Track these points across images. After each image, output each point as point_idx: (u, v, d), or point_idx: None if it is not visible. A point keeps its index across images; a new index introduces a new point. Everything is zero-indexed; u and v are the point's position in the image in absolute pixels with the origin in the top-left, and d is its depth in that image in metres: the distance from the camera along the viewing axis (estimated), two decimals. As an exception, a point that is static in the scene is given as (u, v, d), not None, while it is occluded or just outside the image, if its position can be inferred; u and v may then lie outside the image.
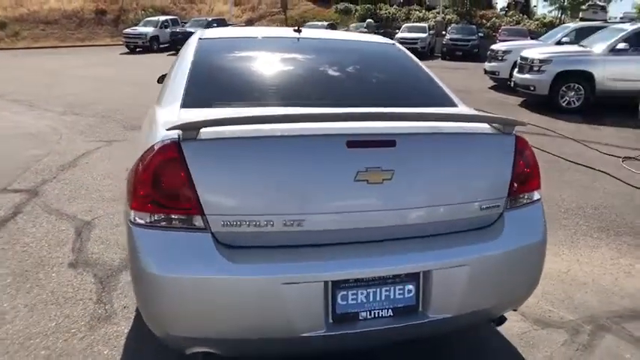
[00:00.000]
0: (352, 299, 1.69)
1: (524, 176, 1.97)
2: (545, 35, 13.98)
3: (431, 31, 25.55)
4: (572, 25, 13.12)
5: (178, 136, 1.63)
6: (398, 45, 2.96)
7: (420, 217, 1.81)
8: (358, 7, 32.62)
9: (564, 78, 9.11)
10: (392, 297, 1.73)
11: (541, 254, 2.02)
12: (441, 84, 2.55)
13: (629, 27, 9.54)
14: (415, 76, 2.60)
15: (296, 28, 2.86)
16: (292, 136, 1.69)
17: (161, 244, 1.63)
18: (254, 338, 1.67)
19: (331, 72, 2.47)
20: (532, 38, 22.25)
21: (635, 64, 9.00)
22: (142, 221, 1.66)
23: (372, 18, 30.17)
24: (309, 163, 1.70)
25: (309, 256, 1.67)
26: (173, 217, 1.64)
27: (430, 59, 22.55)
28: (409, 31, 24.24)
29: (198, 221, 1.63)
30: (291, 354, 1.87)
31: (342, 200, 1.72)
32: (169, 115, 1.95)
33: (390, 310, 1.74)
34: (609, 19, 30.64)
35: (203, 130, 1.64)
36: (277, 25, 31.57)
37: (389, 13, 31.73)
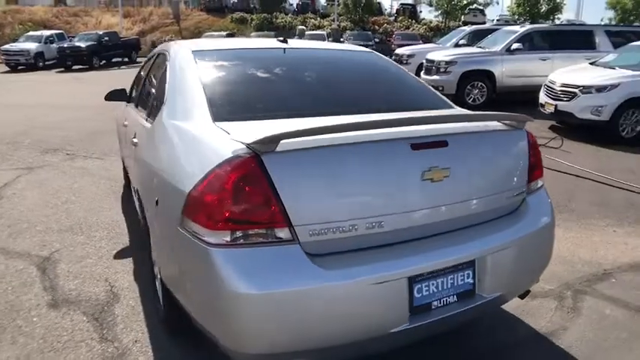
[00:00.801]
0: (425, 291, 1.79)
1: (535, 165, 2.22)
2: (443, 38, 15.16)
3: (329, 39, 26.38)
4: (468, 28, 14.34)
5: (252, 149, 1.60)
6: (376, 53, 3.11)
7: (470, 209, 1.97)
8: (254, 17, 32.68)
9: (468, 77, 9.98)
10: (455, 284, 1.86)
11: (553, 230, 2.29)
12: (431, 87, 2.73)
13: (520, 29, 10.70)
14: (409, 81, 2.77)
15: (281, 38, 2.89)
16: (364, 142, 1.73)
17: (248, 262, 1.57)
18: (347, 342, 1.67)
19: (339, 80, 2.61)
20: (423, 42, 24.02)
21: (528, 62, 10.13)
22: (221, 241, 1.58)
23: (268, 27, 30.41)
24: (381, 166, 1.76)
25: (390, 255, 1.73)
26: (258, 232, 1.60)
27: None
28: (310, 39, 24.83)
29: (285, 233, 1.61)
30: (378, 352, 1.89)
31: (413, 199, 1.82)
32: (208, 131, 1.89)
33: (454, 296, 1.86)
34: (488, 21, 33.99)
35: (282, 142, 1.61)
36: (172, 37, 30.52)
37: (285, 21, 32.20)
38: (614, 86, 7.43)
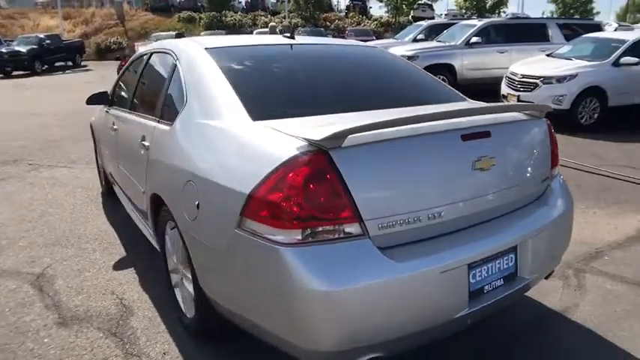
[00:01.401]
0: (479, 276, 1.83)
1: (555, 152, 2.32)
2: (400, 34, 15.40)
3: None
4: (425, 23, 14.65)
5: (318, 146, 1.57)
6: (380, 48, 3.12)
7: (510, 195, 2.03)
8: (202, 15, 31.98)
9: (430, 71, 10.12)
10: (502, 268, 1.92)
11: (573, 212, 2.38)
12: (441, 82, 2.78)
13: (477, 22, 11.04)
14: (422, 75, 2.79)
15: (288, 34, 2.83)
16: (422, 135, 1.75)
17: (322, 259, 1.54)
18: (417, 331, 1.68)
19: (359, 75, 2.63)
20: (376, 38, 24.38)
21: (487, 55, 10.48)
22: (292, 240, 1.54)
23: (217, 25, 29.85)
24: (438, 158, 1.80)
25: (451, 243, 1.77)
26: (330, 228, 1.57)
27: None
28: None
29: (355, 228, 1.59)
30: (441, 338, 1.91)
31: (467, 187, 1.86)
32: (255, 130, 1.86)
33: (501, 280, 1.93)
34: (437, 16, 34.87)
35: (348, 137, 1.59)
36: (117, 38, 29.40)
37: (235, 19, 31.72)
38: (572, 76, 7.82)
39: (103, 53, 28.09)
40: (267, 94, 2.21)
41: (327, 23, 32.13)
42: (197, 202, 1.90)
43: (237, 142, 1.87)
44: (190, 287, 2.28)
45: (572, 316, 2.64)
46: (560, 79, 7.86)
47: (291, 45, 2.73)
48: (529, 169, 2.14)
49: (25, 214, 4.23)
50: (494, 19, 11.54)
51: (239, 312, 1.86)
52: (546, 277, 2.42)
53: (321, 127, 1.66)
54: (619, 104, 8.01)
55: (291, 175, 1.56)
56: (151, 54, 3.15)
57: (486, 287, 1.87)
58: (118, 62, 14.80)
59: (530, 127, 2.20)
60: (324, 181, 1.56)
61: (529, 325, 2.58)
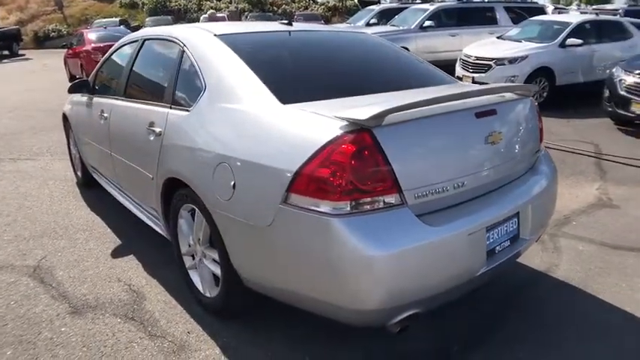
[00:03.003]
0: (492, 238, 2.05)
1: (541, 128, 2.58)
2: (353, 18, 15.54)
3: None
4: (376, 8, 14.85)
5: (360, 125, 1.72)
6: (370, 34, 3.27)
7: (512, 166, 2.27)
8: (145, 1, 30.74)
9: (388, 54, 10.42)
10: (508, 230, 2.14)
11: (557, 181, 2.63)
12: (432, 65, 2.97)
13: (429, 7, 11.35)
14: (414, 60, 2.96)
15: (285, 21, 2.93)
16: (445, 113, 1.95)
17: (370, 227, 1.69)
18: (450, 287, 1.88)
19: (363, 60, 2.81)
20: (324, 22, 24.43)
21: (439, 38, 10.84)
22: (342, 211, 1.68)
23: (162, 11, 28.84)
24: (459, 133, 2.01)
25: (472, 209, 1.97)
26: (374, 199, 1.73)
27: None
28: (209, 22, 24.02)
29: (396, 199, 1.76)
30: (464, 293, 2.09)
31: (481, 160, 2.08)
32: (291, 111, 1.98)
33: (508, 241, 2.15)
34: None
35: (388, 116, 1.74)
36: (56, 25, 27.80)
37: (180, 4, 30.71)
38: (523, 58, 8.28)
39: (41, 41, 26.47)
40: (287, 78, 2.31)
41: (275, 8, 31.73)
42: (233, 183, 1.98)
43: (274, 125, 1.96)
44: (213, 266, 2.35)
45: (555, 275, 2.93)
46: (512, 61, 8.30)
47: (290, 32, 2.81)
48: (525, 142, 2.37)
49: (1, 208, 4.08)
50: (445, 3, 11.88)
51: (278, 283, 1.97)
52: (536, 240, 2.68)
53: (354, 108, 1.80)
54: (566, 83, 8.57)
55: (339, 151, 1.69)
56: (143, 41, 3.12)
57: (497, 248, 2.08)
58: (65, 50, 14.03)
59: (523, 105, 2.42)
60: (370, 157, 1.72)
61: (523, 283, 2.85)
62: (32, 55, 22.29)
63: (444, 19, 11.33)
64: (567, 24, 8.91)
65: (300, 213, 1.75)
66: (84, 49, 11.64)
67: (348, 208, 1.69)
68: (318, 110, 1.93)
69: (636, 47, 9.35)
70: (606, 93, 7.12)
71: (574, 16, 9.97)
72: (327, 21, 27.24)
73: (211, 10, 9.57)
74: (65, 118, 4.59)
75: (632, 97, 6.54)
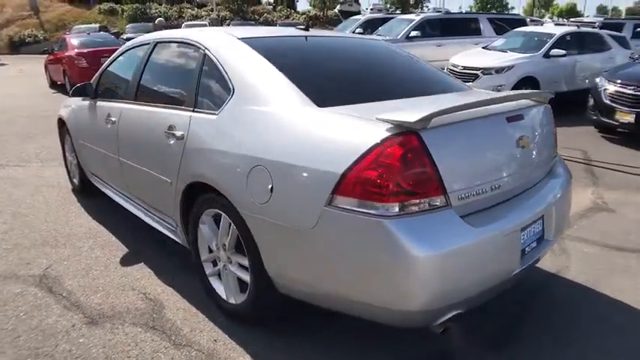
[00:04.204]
0: (523, 239, 2.07)
1: (555, 133, 2.65)
2: (339, 27, 15.64)
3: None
4: (362, 18, 14.99)
5: (407, 127, 1.73)
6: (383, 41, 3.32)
7: (537, 169, 2.34)
8: (125, 7, 30.38)
9: (376, 62, 10.52)
10: (535, 231, 2.18)
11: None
12: (445, 72, 3.02)
13: (415, 17, 11.52)
14: (429, 67, 2.99)
15: (302, 27, 2.94)
16: (482, 117, 2.00)
17: (418, 228, 1.70)
18: (489, 287, 1.90)
19: (385, 65, 2.84)
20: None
21: (425, 48, 10.95)
22: (391, 212, 1.69)
23: (142, 18, 28.54)
24: (495, 136, 2.06)
25: (508, 210, 2.02)
26: (421, 201, 1.74)
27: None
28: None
29: (441, 200, 1.78)
30: (500, 293, 2.12)
31: (514, 162, 2.13)
32: (331, 115, 2.00)
33: (535, 242, 2.19)
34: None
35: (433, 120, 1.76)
36: (32, 30, 27.18)
37: (160, 12, 30.44)
38: (510, 67, 8.47)
39: (16, 47, 25.84)
40: (317, 82, 2.30)
41: (256, 16, 31.74)
42: (270, 186, 1.95)
43: (314, 128, 1.95)
44: (239, 272, 2.31)
45: (567, 276, 2.99)
46: (499, 70, 8.49)
47: (306, 37, 2.83)
48: (545, 147, 2.44)
49: (-8, 217, 3.94)
50: (431, 14, 12.08)
51: (318, 287, 1.94)
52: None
53: (398, 111, 1.82)
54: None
55: (388, 153, 1.71)
56: (155, 44, 3.07)
57: (527, 249, 2.12)
58: (45, 56, 13.71)
59: (542, 111, 2.48)
60: (417, 159, 1.74)
61: (538, 285, 2.88)
62: (7, 60, 21.71)
63: (429, 30, 11.50)
64: (551, 35, 9.16)
65: (346, 215, 1.74)
66: (67, 54, 11.40)
67: (397, 210, 1.70)
68: (356, 113, 1.94)
69: (614, 58, 9.69)
70: (591, 102, 7.34)
71: (557, 28, 10.27)
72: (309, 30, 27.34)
73: (160, 19, 9.43)
74: (61, 122, 4.46)
75: (616, 105, 6.75)
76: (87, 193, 4.31)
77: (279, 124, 2.06)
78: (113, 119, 3.22)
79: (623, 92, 6.71)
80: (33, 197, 4.41)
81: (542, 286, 2.88)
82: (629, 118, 6.54)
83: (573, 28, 9.90)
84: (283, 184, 1.93)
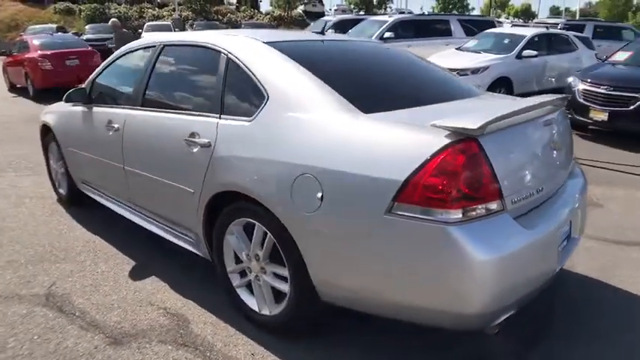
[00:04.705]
0: (559, 238, 2.12)
1: (571, 137, 2.72)
2: (309, 29, 15.60)
3: (176, 29, 25.14)
4: (333, 18, 15.00)
5: (466, 134, 1.74)
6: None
7: (565, 171, 2.42)
8: (82, 7, 29.30)
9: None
10: (566, 230, 2.24)
11: None
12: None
13: (388, 19, 11.63)
14: (443, 72, 3.03)
15: (318, 30, 2.91)
16: (530, 120, 2.06)
17: (481, 233, 1.73)
18: (537, 287, 1.95)
19: (407, 70, 2.86)
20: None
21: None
22: (454, 218, 1.70)
23: (101, 18, 27.61)
24: (537, 140, 2.13)
25: (549, 211, 2.08)
26: (481, 206, 1.75)
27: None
28: (154, 30, 23.21)
29: (498, 205, 1.81)
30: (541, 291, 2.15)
31: (551, 165, 2.22)
32: (374, 122, 1.99)
33: (566, 240, 2.24)
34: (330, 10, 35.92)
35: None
36: None
37: (119, 12, 29.52)
38: (485, 68, 8.68)
39: (-37, 48, 24.51)
40: (354, 88, 2.26)
41: (219, 17, 31.29)
42: (320, 194, 1.90)
43: (366, 134, 1.92)
44: (275, 283, 2.25)
45: (577, 270, 3.07)
46: (475, 71, 8.68)
47: (323, 41, 2.80)
48: (568, 149, 2.53)
49: (-22, 233, 3.68)
50: (404, 15, 12.24)
51: (371, 293, 1.91)
52: None
53: (454, 117, 1.82)
54: (522, 92, 9.04)
55: (450, 160, 1.71)
56: (162, 48, 2.94)
57: (560, 247, 2.16)
58: (2, 58, 13.02)
59: (562, 115, 2.55)
60: (478, 165, 1.76)
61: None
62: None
63: (402, 31, 11.63)
64: (522, 37, 9.45)
65: (407, 222, 1.74)
66: (28, 56, 10.85)
67: (459, 216, 1.71)
68: (404, 120, 1.95)
69: (580, 59, 10.11)
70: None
71: (527, 30, 10.60)
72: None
73: (114, 19, 9.06)
74: (46, 129, 4.22)
75: (589, 104, 7.02)
76: (75, 203, 4.11)
77: (327, 131, 2.01)
78: (116, 126, 3.07)
79: (596, 91, 6.98)
80: (16, 209, 4.16)
81: (559, 283, 2.94)
82: (603, 116, 6.82)
83: (542, 30, 10.25)
84: (335, 192, 1.89)
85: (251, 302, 2.41)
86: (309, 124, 2.07)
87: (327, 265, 2.00)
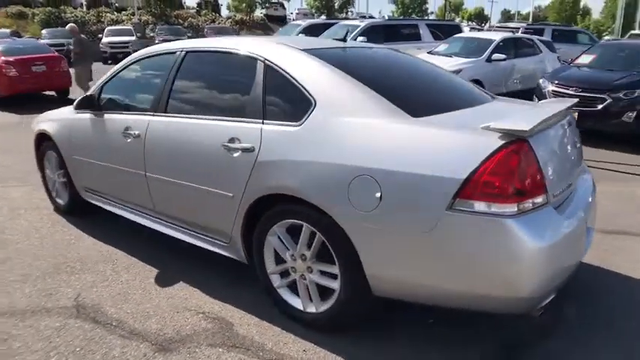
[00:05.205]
0: None
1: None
2: (278, 33, 15.63)
3: (138, 34, 24.62)
4: (303, 23, 15.08)
5: (517, 135, 1.91)
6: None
7: (580, 168, 2.66)
8: (36, 11, 28.19)
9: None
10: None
11: None
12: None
13: (360, 23, 11.84)
14: (455, 77, 3.17)
15: (339, 37, 3.00)
16: (557, 122, 2.29)
17: (534, 224, 1.91)
18: (570, 273, 2.15)
19: (429, 74, 3.03)
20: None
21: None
22: (512, 212, 1.88)
23: (56, 23, 26.67)
24: (564, 140, 2.38)
25: (573, 202, 2.30)
26: (531, 200, 1.93)
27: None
28: (115, 35, 22.65)
29: (543, 198, 2.01)
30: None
31: (573, 161, 2.48)
32: (427, 125, 2.15)
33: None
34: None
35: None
36: None
37: (76, 16, 28.58)
38: (458, 71, 8.96)
39: None
40: (396, 93, 2.38)
41: (180, 21, 30.80)
42: (379, 194, 2.01)
43: (421, 136, 2.08)
44: (323, 281, 2.33)
45: (583, 260, 3.26)
46: (449, 74, 8.98)
47: (345, 48, 2.90)
48: (580, 148, 2.74)
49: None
50: (376, 20, 12.49)
51: (428, 284, 2.05)
52: None
53: (503, 120, 2.00)
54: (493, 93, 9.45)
55: (506, 159, 1.89)
56: (185, 54, 2.95)
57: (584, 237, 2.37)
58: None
59: (573, 118, 2.77)
60: (529, 163, 1.95)
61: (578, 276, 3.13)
62: None
63: (374, 35, 11.86)
64: (491, 41, 9.86)
65: (468, 216, 1.89)
66: (-10, 63, 10.37)
67: (515, 209, 1.88)
68: (453, 123, 2.13)
69: (544, 61, 10.65)
70: (535, 102, 8.00)
71: (495, 34, 11.06)
72: (238, 34, 27.06)
73: (71, 24, 8.85)
74: (42, 138, 4.10)
75: (559, 104, 7.42)
76: (76, 213, 4.03)
77: (382, 134, 2.13)
78: (135, 132, 3.04)
79: (565, 92, 7.39)
80: (13, 221, 4.02)
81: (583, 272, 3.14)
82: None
83: (509, 34, 10.72)
84: (395, 191, 2.01)
85: (294, 301, 2.47)
86: (363, 128, 2.18)
87: (384, 261, 2.11)
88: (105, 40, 22.10)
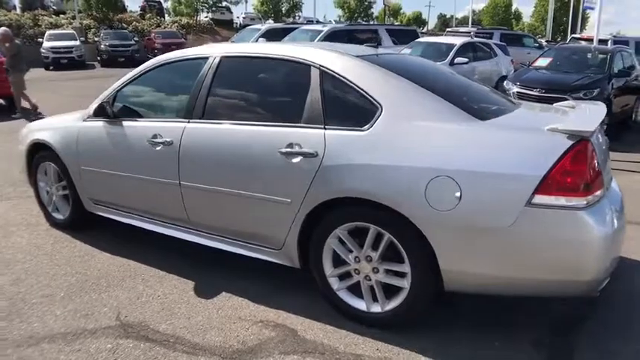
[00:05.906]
0: None
1: None
2: (237, 37, 15.43)
3: (81, 38, 23.52)
4: (262, 27, 14.97)
5: (581, 136, 2.12)
6: None
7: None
8: (-36, 15, 26.16)
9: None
10: None
11: None
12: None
13: (323, 28, 11.96)
14: (471, 81, 3.34)
15: (373, 44, 3.08)
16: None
17: (598, 215, 2.11)
18: (618, 259, 2.33)
19: (467, 82, 3.21)
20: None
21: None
22: (583, 204, 2.08)
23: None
24: (600, 139, 2.60)
25: (614, 197, 2.50)
26: (594, 194, 2.15)
27: (88, 68, 20.89)
28: (57, 39, 21.47)
29: (602, 192, 2.22)
30: None
31: (606, 160, 2.67)
32: (499, 128, 2.36)
33: None
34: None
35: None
36: None
37: (10, 19, 26.80)
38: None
39: None
40: (455, 97, 2.52)
41: (124, 25, 29.64)
42: (458, 194, 2.12)
43: (496, 139, 2.25)
44: (391, 280, 2.41)
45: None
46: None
47: (377, 54, 2.95)
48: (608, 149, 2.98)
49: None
50: (338, 25, 12.67)
51: (504, 275, 2.19)
52: None
53: (569, 122, 2.27)
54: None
55: (578, 157, 2.10)
56: (221, 59, 2.89)
57: None
58: None
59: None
60: (594, 160, 2.18)
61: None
62: None
63: (336, 40, 11.99)
64: (452, 45, 10.30)
65: (546, 210, 2.07)
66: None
67: (585, 202, 2.09)
68: (519, 126, 2.37)
69: (500, 63, 11.25)
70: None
71: (456, 39, 11.53)
72: (185, 38, 26.44)
73: (5, 29, 8.41)
74: (38, 148, 3.85)
75: (524, 104, 7.87)
76: (77, 228, 3.83)
77: (456, 136, 2.26)
78: (167, 140, 2.94)
79: (529, 94, 7.85)
80: (9, 240, 3.75)
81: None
82: (538, 115, 7.68)
83: (468, 39, 11.23)
84: (474, 190, 2.14)
85: (356, 303, 2.51)
86: (435, 131, 2.28)
87: (462, 256, 2.21)
88: (46, 44, 20.89)
